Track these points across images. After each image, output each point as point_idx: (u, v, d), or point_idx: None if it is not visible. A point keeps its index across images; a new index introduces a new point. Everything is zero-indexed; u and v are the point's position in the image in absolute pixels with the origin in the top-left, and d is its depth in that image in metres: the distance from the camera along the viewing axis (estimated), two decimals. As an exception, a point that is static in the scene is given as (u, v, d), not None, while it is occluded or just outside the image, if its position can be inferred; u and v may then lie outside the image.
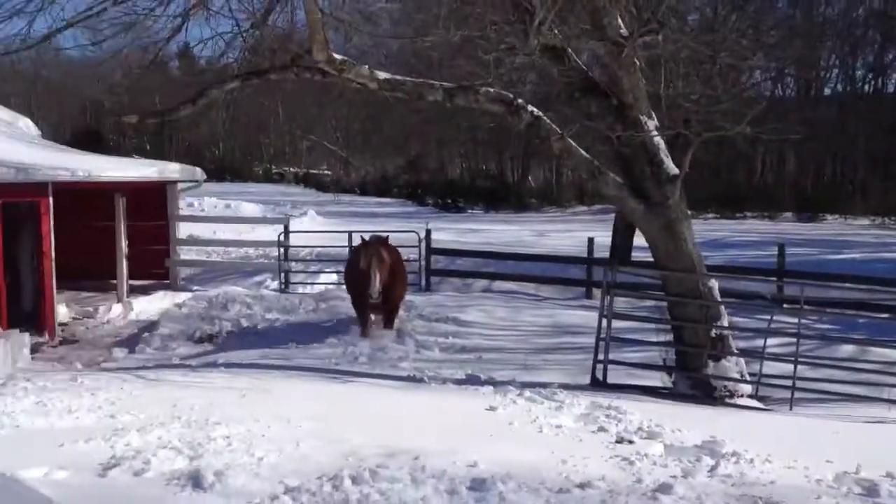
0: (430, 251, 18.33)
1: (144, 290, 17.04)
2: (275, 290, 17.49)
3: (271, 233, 19.93)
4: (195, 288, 17.82)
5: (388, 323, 12.70)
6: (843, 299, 13.97)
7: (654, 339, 10.94)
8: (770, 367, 9.98)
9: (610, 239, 18.84)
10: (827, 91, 48.56)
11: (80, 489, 4.94)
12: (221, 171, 55.85)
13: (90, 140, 48.27)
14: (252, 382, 8.54)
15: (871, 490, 5.39)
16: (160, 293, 16.84)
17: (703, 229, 29.14)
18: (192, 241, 21.04)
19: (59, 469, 5.22)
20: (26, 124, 19.66)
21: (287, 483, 5.08)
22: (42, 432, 6.24)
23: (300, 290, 17.71)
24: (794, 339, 10.03)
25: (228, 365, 9.83)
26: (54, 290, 13.78)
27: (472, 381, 9.55)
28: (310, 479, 5.18)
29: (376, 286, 11.82)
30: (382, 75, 9.73)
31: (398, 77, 9.96)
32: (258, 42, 10.84)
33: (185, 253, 19.85)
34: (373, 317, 12.80)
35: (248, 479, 5.19)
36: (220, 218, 25.92)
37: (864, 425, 8.04)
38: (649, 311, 13.04)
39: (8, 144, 15.18)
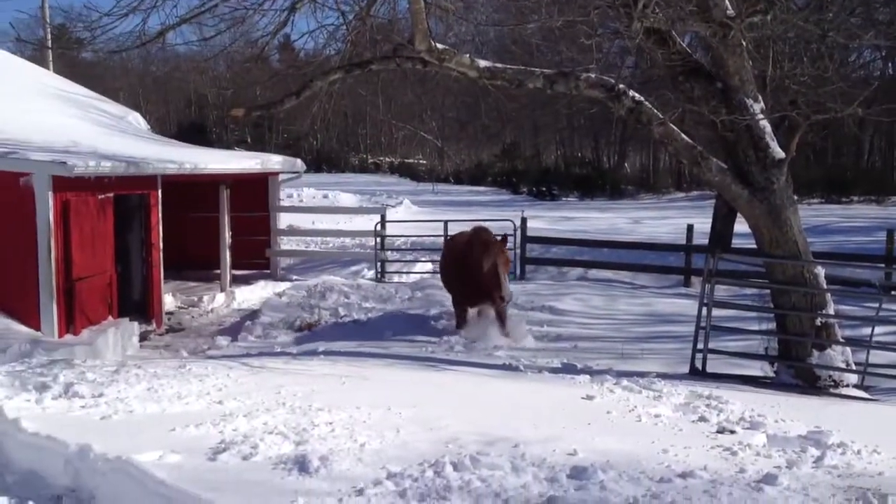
0: (526, 239, 18.31)
1: (246, 280, 17.57)
2: (371, 279, 17.79)
3: (367, 222, 20.25)
4: (294, 277, 18.26)
5: (503, 322, 11.62)
6: (959, 287, 13.36)
7: (755, 327, 10.70)
8: (877, 357, 9.66)
9: (709, 226, 18.44)
10: (942, 70, 46.26)
11: (192, 472, 5.14)
12: (319, 161, 57.03)
13: (195, 133, 49.97)
14: (351, 370, 8.72)
15: None
16: (261, 282, 17.34)
17: (808, 215, 28.23)
18: (292, 231, 21.58)
19: (171, 453, 5.45)
20: (135, 118, 20.46)
21: (389, 469, 5.19)
22: (154, 417, 6.51)
23: (396, 279, 17.98)
24: (905, 328, 9.66)
25: (328, 353, 10.05)
26: (161, 281, 14.33)
27: (567, 369, 9.52)
28: (411, 465, 5.28)
29: (508, 288, 11.05)
30: (483, 63, 9.75)
31: (499, 65, 9.96)
32: (360, 33, 11.00)
33: (285, 243, 20.37)
34: (470, 311, 12.32)
35: (352, 464, 5.32)
36: (319, 208, 26.47)
37: (981, 417, 7.71)
38: (750, 299, 12.75)
39: (119, 138, 15.86)
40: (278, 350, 10.82)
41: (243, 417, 6.41)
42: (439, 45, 9.17)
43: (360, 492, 4.81)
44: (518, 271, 18.01)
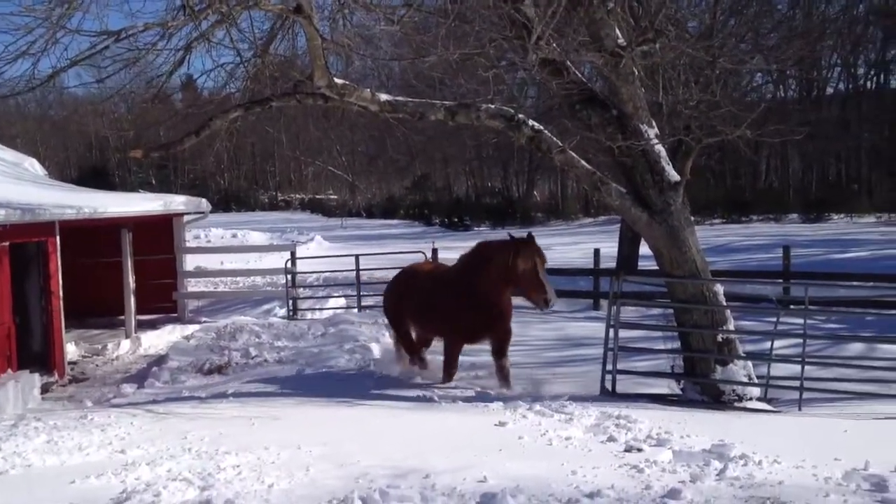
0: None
1: (153, 325, 17.12)
2: (283, 317, 17.57)
3: (278, 260, 20.07)
4: (204, 319, 17.89)
5: (505, 374, 10.36)
6: (851, 298, 13.95)
7: (661, 346, 10.95)
8: (778, 369, 9.99)
9: (616, 249, 18.85)
10: (829, 90, 48.67)
11: (91, 524, 4.97)
12: (227, 201, 56.30)
13: (96, 177, 48.77)
14: (261, 410, 8.57)
15: (879, 485, 5.38)
16: (169, 326, 16.92)
17: (710, 235, 29.24)
18: (200, 272, 21.20)
19: (70, 506, 5.26)
20: (31, 164, 19.83)
21: (297, 508, 5.11)
22: (53, 470, 6.28)
23: (309, 316, 17.80)
24: (802, 340, 10.02)
25: (238, 394, 9.85)
26: (63, 329, 13.84)
27: (482, 397, 9.56)
28: (320, 502, 5.21)
29: (552, 291, 9.66)
30: (384, 97, 9.81)
31: (399, 98, 10.04)
32: (260, 70, 10.95)
33: (193, 285, 19.96)
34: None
35: (259, 505, 5.22)
36: (227, 248, 26.06)
37: (873, 422, 8.02)
38: (656, 320, 13.05)
39: (14, 186, 15.32)
40: (186, 395, 10.54)
41: (146, 465, 6.23)
42: (339, 81, 9.20)
43: (267, 534, 4.72)
44: (431, 302, 18.04)
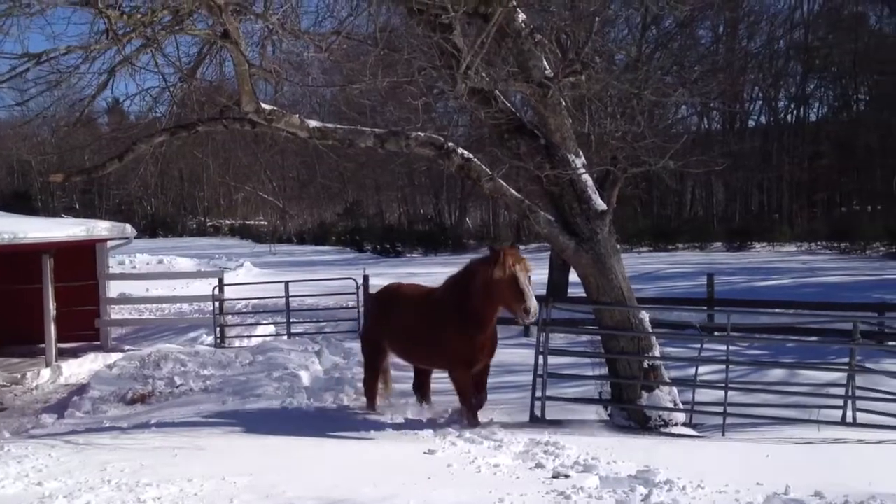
0: (368, 297, 18.26)
1: (74, 353, 16.66)
2: (210, 345, 17.25)
3: (206, 287, 19.70)
4: (127, 347, 17.48)
5: (483, 386, 9.64)
6: (772, 325, 14.31)
7: (589, 373, 11.07)
8: (703, 395, 10.18)
9: (546, 276, 19.02)
10: (751, 123, 50.32)
11: (2, 561, 4.78)
12: (154, 226, 55.31)
13: (18, 201, 47.42)
14: (185, 441, 8.38)
15: (799, 510, 5.51)
16: (91, 355, 16.49)
17: (637, 262, 29.75)
18: (124, 299, 20.71)
19: (-20, 541, 5.06)
20: (-53, 189, 19.21)
21: (219, 540, 4.99)
22: (-36, 505, 6.03)
23: (237, 343, 17.53)
24: (725, 367, 10.24)
25: (161, 424, 9.61)
26: (-21, 359, 13.39)
27: (411, 425, 9.52)
28: (243, 534, 5.11)
29: (533, 300, 8.73)
30: (313, 124, 9.77)
31: (329, 125, 10.01)
32: (187, 95, 10.83)
33: (117, 312, 19.53)
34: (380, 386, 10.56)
35: (179, 538, 5.09)
36: (152, 274, 25.56)
37: (793, 447, 8.22)
38: (585, 346, 13.20)
39: (-72, 210, 14.82)
40: (107, 425, 10.25)
41: (63, 498, 6.05)
42: (267, 106, 9.15)
43: (187, 568, 4.60)
44: (362, 329, 17.93)
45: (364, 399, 11.22)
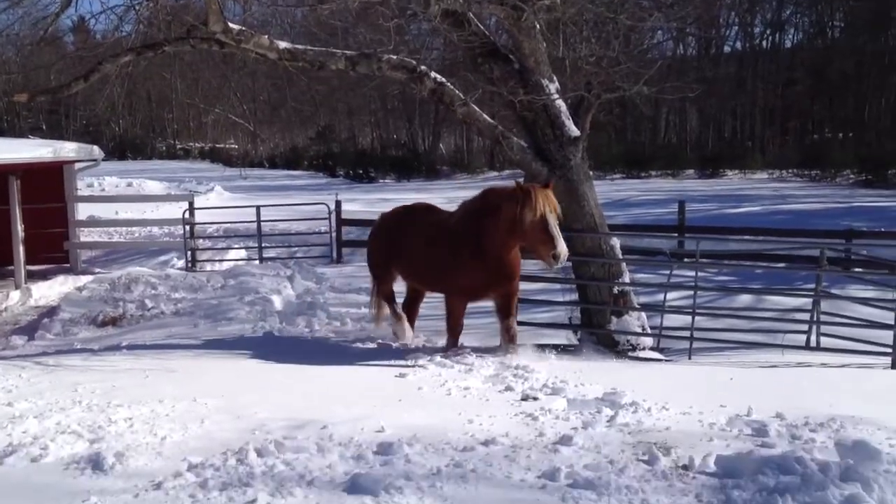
0: (341, 222, 18.24)
1: (44, 275, 16.54)
2: (181, 268, 17.20)
3: (177, 210, 19.53)
4: (97, 270, 17.38)
5: (508, 314, 9.01)
6: (741, 251, 14.50)
7: (560, 299, 11.17)
8: (671, 320, 10.35)
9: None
10: (727, 49, 50.03)
11: (-27, 480, 4.80)
12: (123, 148, 54.44)
13: (-19, 122, 46.31)
14: (156, 363, 8.39)
15: (760, 430, 5.63)
16: (60, 277, 16.37)
17: (610, 189, 29.85)
18: (93, 222, 20.51)
19: (-50, 461, 5.07)
20: None
21: (191, 460, 5.03)
22: (-66, 425, 6.02)
23: (208, 267, 17.48)
24: (693, 292, 10.40)
25: (132, 347, 9.61)
26: (-53, 280, 13.26)
27: (383, 349, 9.59)
28: (214, 454, 5.15)
29: (562, 243, 8.10)
30: (283, 45, 9.58)
31: (299, 46, 9.82)
32: (153, 14, 10.54)
33: (86, 235, 19.37)
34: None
35: (151, 458, 5.13)
36: (121, 197, 25.30)
37: (757, 370, 8.38)
38: (555, 272, 13.28)
39: None
40: (78, 347, 10.23)
41: (34, 419, 6.04)
42: (235, 26, 8.95)
43: (158, 486, 4.64)
44: (334, 255, 17.96)
45: (336, 323, 11.31)
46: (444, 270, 8.95)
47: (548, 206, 8.09)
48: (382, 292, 10.07)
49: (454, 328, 9.16)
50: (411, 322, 10.07)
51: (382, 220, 10.33)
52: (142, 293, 13.94)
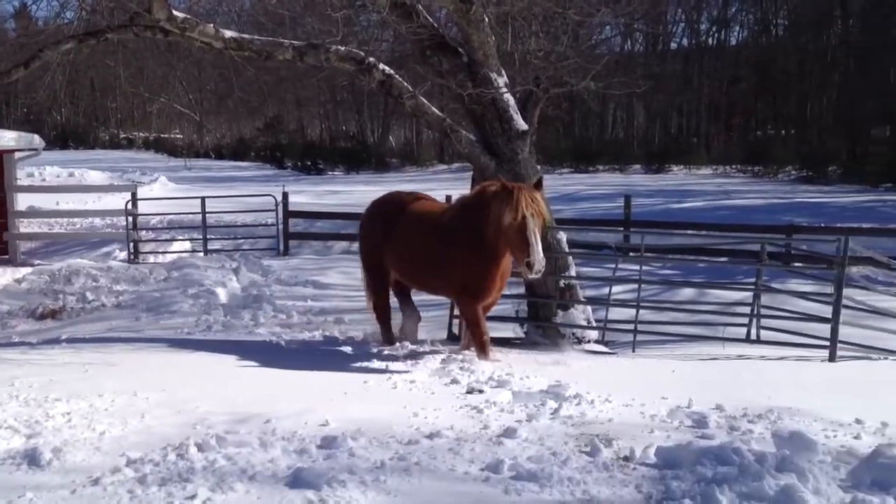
0: (288, 214, 18.10)
1: (-19, 267, 16.12)
2: (123, 260, 16.90)
3: (119, 201, 19.19)
4: (37, 262, 16.98)
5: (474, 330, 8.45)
6: (685, 245, 14.73)
7: (507, 291, 11.19)
8: (616, 313, 10.46)
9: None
10: (674, 45, 50.71)
11: None
12: (64, 137, 53.32)
13: (-84, 108, 44.98)
14: (96, 357, 8.24)
15: (700, 422, 5.73)
16: (-1, 269, 15.98)
17: (558, 183, 30.07)
18: (33, 212, 20.06)
19: None
20: None
21: (130, 455, 4.94)
22: None
23: (151, 259, 17.20)
24: (637, 286, 10.53)
25: (72, 340, 9.42)
26: None
27: (330, 342, 9.55)
28: (154, 449, 5.07)
29: (538, 253, 7.44)
30: (229, 34, 9.44)
31: (245, 36, 9.70)
32: (96, 0, 10.32)
33: (26, 226, 18.93)
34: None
35: (89, 454, 5.03)
36: (62, 187, 24.81)
37: (699, 362, 8.53)
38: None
39: None
40: (16, 340, 10.00)
41: (-32, 414, 5.89)
42: (180, 14, 8.80)
43: (96, 482, 4.55)
44: (281, 247, 17.81)
45: (282, 316, 11.19)
46: (445, 270, 8.40)
47: (531, 208, 7.52)
48: (380, 295, 9.41)
49: (479, 336, 8.35)
50: (410, 309, 9.51)
51: (374, 211, 9.48)
52: (83, 285, 13.67)
